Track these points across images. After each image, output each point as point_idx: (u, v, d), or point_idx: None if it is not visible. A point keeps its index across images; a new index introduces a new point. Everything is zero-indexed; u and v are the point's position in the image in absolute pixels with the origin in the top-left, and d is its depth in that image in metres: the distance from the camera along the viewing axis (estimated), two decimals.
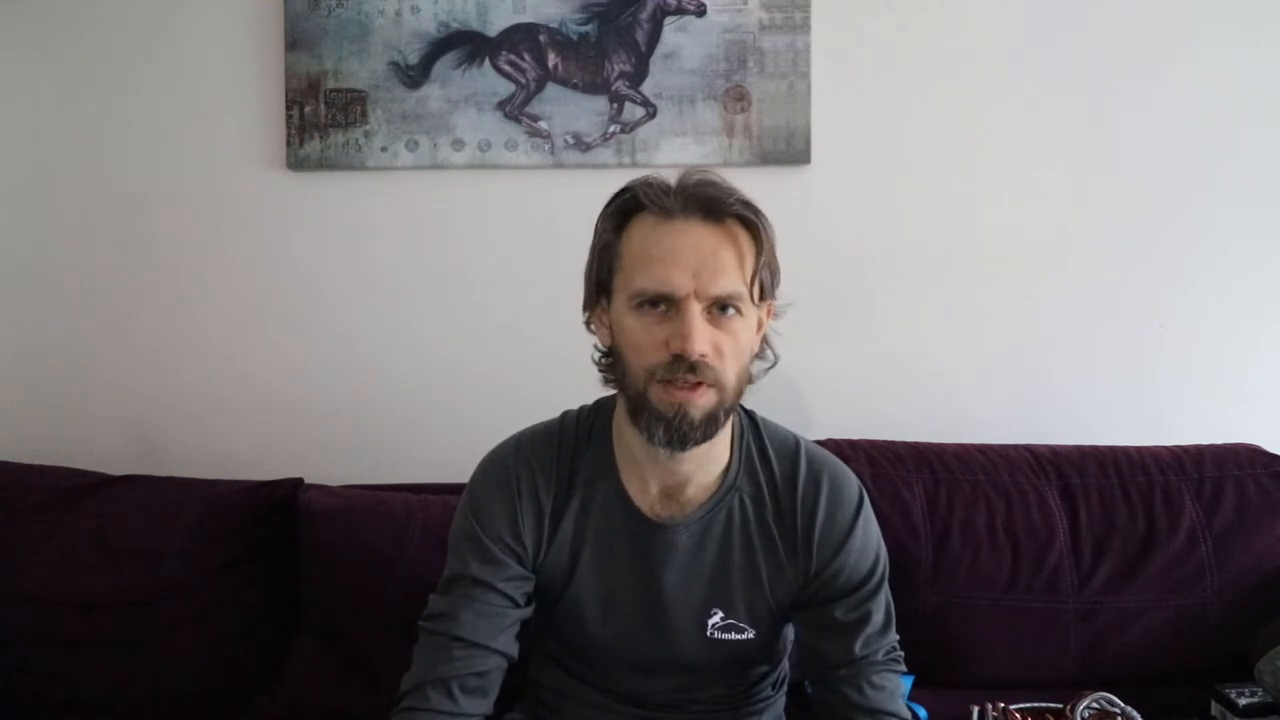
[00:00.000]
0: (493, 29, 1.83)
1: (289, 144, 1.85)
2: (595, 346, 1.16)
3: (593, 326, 1.16)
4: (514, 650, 1.16)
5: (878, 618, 1.16)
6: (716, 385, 1.06)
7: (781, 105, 1.81)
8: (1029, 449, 1.68)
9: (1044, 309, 1.85)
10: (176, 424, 1.91)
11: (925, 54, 1.82)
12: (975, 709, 1.39)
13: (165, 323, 1.91)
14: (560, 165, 1.84)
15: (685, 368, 1.04)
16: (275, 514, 1.64)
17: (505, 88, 1.83)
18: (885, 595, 1.18)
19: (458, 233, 1.87)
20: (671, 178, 1.09)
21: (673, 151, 1.81)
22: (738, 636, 1.18)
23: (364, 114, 1.84)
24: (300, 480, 1.68)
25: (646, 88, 1.82)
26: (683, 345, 1.03)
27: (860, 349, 1.86)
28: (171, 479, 1.70)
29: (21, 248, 1.92)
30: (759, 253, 1.07)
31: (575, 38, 1.82)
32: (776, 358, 1.17)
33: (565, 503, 1.18)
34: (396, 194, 1.87)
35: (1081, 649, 1.53)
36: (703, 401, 1.06)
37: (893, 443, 1.68)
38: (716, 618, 1.17)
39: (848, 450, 1.62)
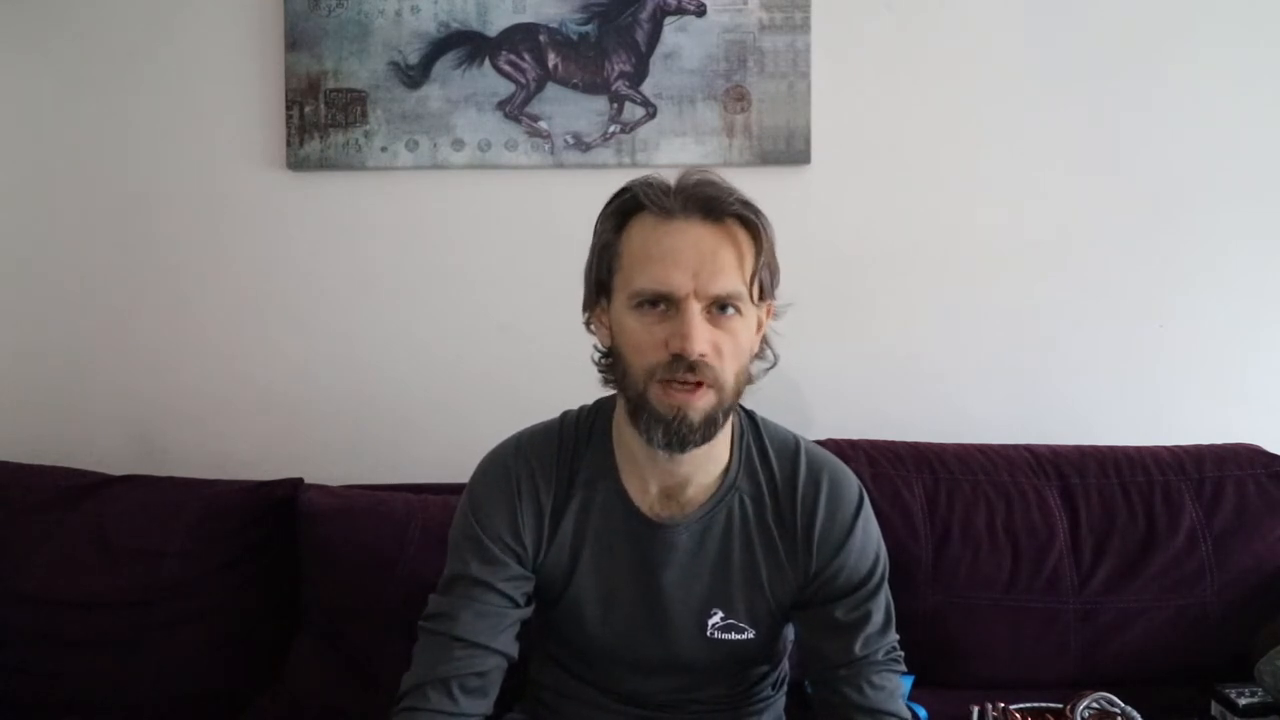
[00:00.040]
0: (493, 29, 1.83)
1: (289, 144, 1.85)
2: (595, 347, 1.16)
3: (592, 327, 1.16)
4: (514, 650, 1.16)
5: (878, 618, 1.16)
6: (716, 385, 1.06)
7: (781, 105, 1.81)
8: (1029, 449, 1.68)
9: (1044, 309, 1.85)
10: (176, 424, 1.91)
11: (925, 54, 1.82)
12: (975, 709, 1.39)
13: (165, 323, 1.91)
14: (560, 165, 1.84)
15: (685, 367, 1.04)
16: (275, 514, 1.64)
17: (505, 88, 1.83)
18: (885, 595, 1.18)
19: (458, 233, 1.87)
20: (671, 178, 1.09)
21: (673, 151, 1.81)
22: (738, 636, 1.18)
23: (364, 114, 1.84)
24: (300, 480, 1.68)
25: (646, 88, 1.82)
26: (682, 345, 1.03)
27: (860, 349, 1.86)
28: (171, 479, 1.70)
29: (21, 248, 1.92)
30: (758, 252, 1.07)
31: (575, 38, 1.82)
32: (776, 358, 1.17)
33: (565, 503, 1.18)
34: (396, 194, 1.87)
35: (1081, 649, 1.53)
36: (702, 404, 1.06)
37: (893, 443, 1.68)
38: (716, 618, 1.17)
39: (848, 450, 1.62)
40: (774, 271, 1.11)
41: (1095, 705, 1.37)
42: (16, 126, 1.90)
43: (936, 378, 1.86)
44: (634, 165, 1.82)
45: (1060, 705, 1.40)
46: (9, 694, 1.53)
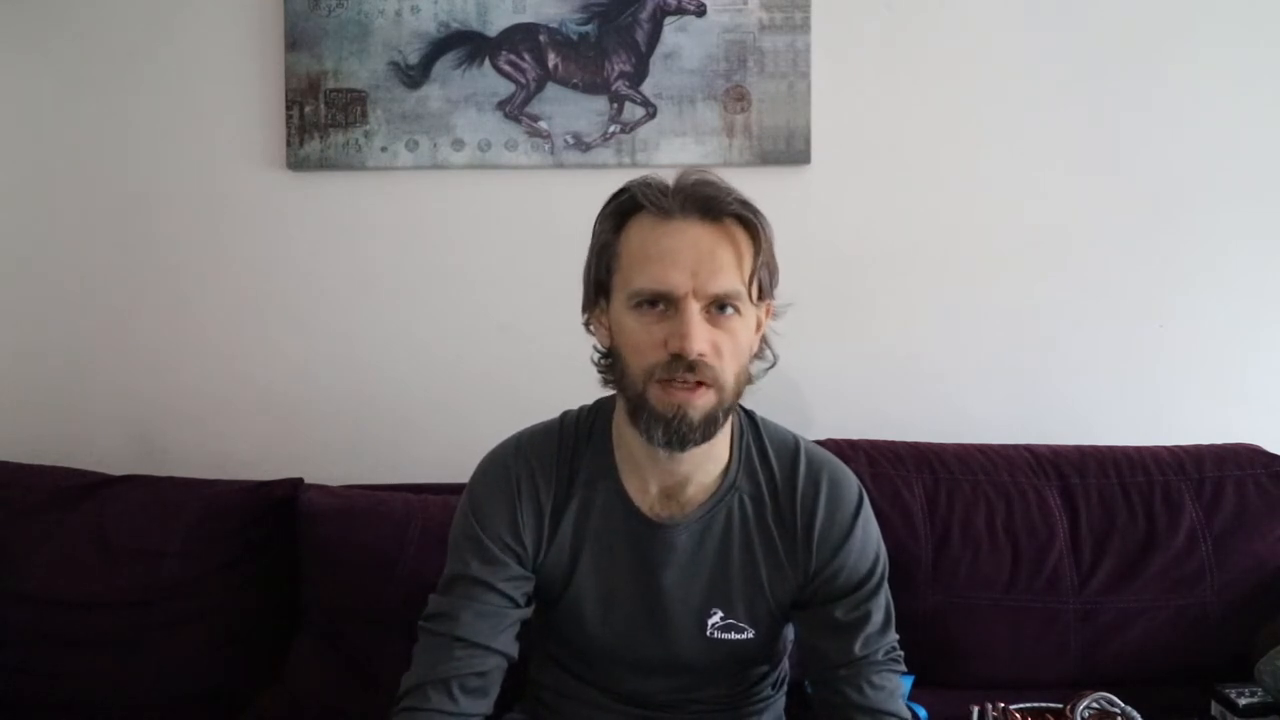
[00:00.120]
0: (493, 29, 1.83)
1: (289, 144, 1.85)
2: (594, 347, 1.16)
3: (592, 327, 1.16)
4: (514, 650, 1.16)
5: (877, 617, 1.16)
6: (715, 385, 1.06)
7: (781, 105, 1.81)
8: (1029, 449, 1.68)
9: (1044, 309, 1.85)
10: (176, 424, 1.91)
11: (925, 54, 1.82)
12: (975, 709, 1.39)
13: (165, 323, 1.91)
14: (560, 165, 1.84)
15: (684, 367, 1.04)
16: (275, 514, 1.64)
17: (505, 88, 1.83)
18: (885, 595, 1.18)
19: (458, 233, 1.87)
20: (669, 178, 1.09)
21: (673, 151, 1.81)
22: (737, 636, 1.18)
23: (364, 114, 1.84)
24: (300, 480, 1.68)
25: (646, 88, 1.82)
26: (681, 344, 1.03)
27: (860, 349, 1.86)
28: (171, 479, 1.70)
29: (21, 248, 1.92)
30: (757, 252, 1.07)
31: (575, 38, 1.82)
32: (776, 357, 1.17)
33: (565, 503, 1.18)
34: (396, 194, 1.87)
35: (1081, 649, 1.53)
36: (701, 402, 1.06)
37: (893, 443, 1.68)
38: (716, 618, 1.17)
39: (848, 450, 1.61)
40: (773, 271, 1.11)
41: (1095, 705, 1.37)
42: (16, 126, 1.90)
43: (936, 378, 1.86)
44: (634, 165, 1.82)
45: (1060, 705, 1.40)
46: (9, 694, 1.53)
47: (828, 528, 1.16)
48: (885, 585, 1.19)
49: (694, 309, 1.04)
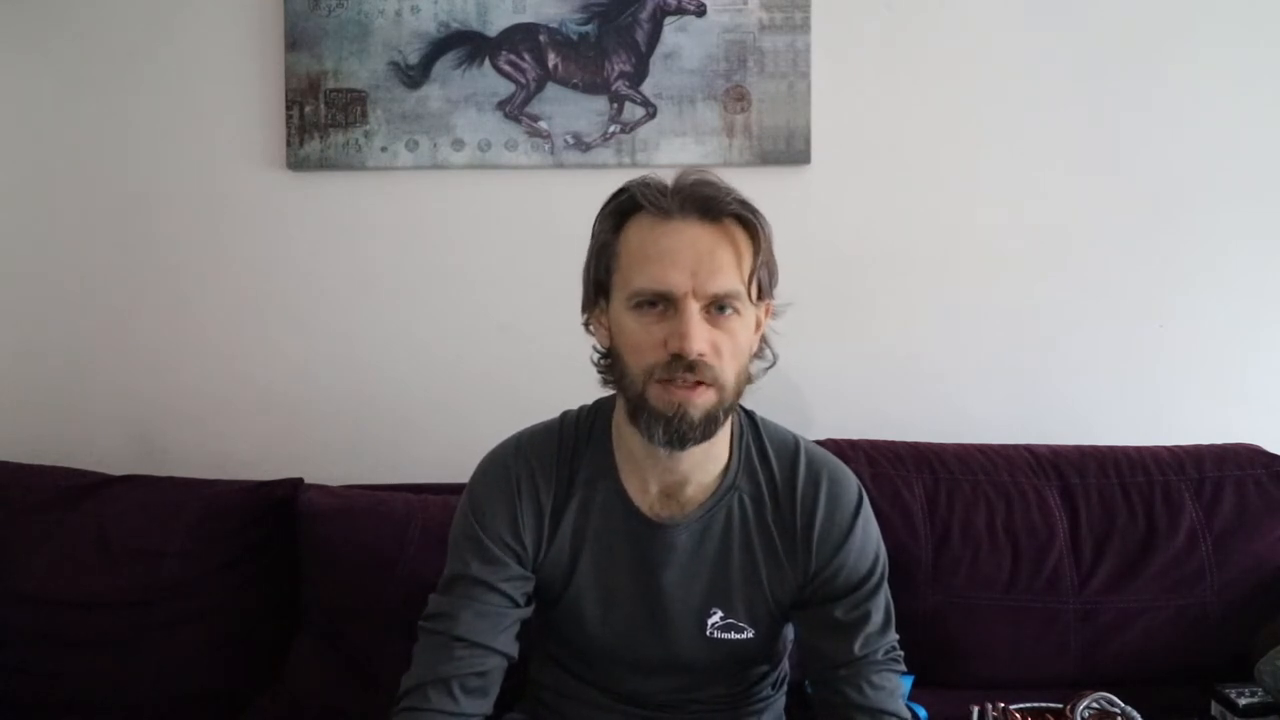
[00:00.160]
0: (493, 29, 1.83)
1: (289, 144, 1.85)
2: (594, 347, 1.16)
3: (591, 327, 1.16)
4: (514, 650, 1.16)
5: (877, 617, 1.16)
6: (715, 384, 1.06)
7: (781, 105, 1.81)
8: (1029, 449, 1.68)
9: (1044, 309, 1.85)
10: (176, 424, 1.91)
11: (925, 54, 1.82)
12: (975, 709, 1.39)
13: (165, 323, 1.91)
14: (560, 165, 1.84)
15: (684, 367, 1.04)
16: (275, 514, 1.64)
17: (505, 88, 1.83)
18: (885, 595, 1.18)
19: (458, 233, 1.87)
20: (669, 178, 1.09)
21: (673, 151, 1.81)
22: (737, 636, 1.18)
23: (364, 114, 1.84)
24: (300, 480, 1.68)
25: (646, 88, 1.82)
26: (681, 344, 1.03)
27: (860, 349, 1.86)
28: (171, 479, 1.70)
29: (21, 248, 1.92)
30: (756, 252, 1.07)
31: (575, 38, 1.82)
32: (775, 357, 1.17)
33: (565, 503, 1.18)
34: (396, 194, 1.87)
35: (1081, 649, 1.53)
36: (702, 401, 1.06)
37: (893, 443, 1.68)
38: (716, 617, 1.17)
39: (848, 450, 1.62)
40: (772, 271, 1.11)
41: (1095, 705, 1.37)
42: (16, 126, 1.90)
43: (936, 378, 1.86)
44: (634, 165, 1.82)
45: (1060, 705, 1.40)
46: (9, 694, 1.53)
47: (827, 528, 1.16)
48: (885, 585, 1.19)
49: (693, 309, 1.04)
